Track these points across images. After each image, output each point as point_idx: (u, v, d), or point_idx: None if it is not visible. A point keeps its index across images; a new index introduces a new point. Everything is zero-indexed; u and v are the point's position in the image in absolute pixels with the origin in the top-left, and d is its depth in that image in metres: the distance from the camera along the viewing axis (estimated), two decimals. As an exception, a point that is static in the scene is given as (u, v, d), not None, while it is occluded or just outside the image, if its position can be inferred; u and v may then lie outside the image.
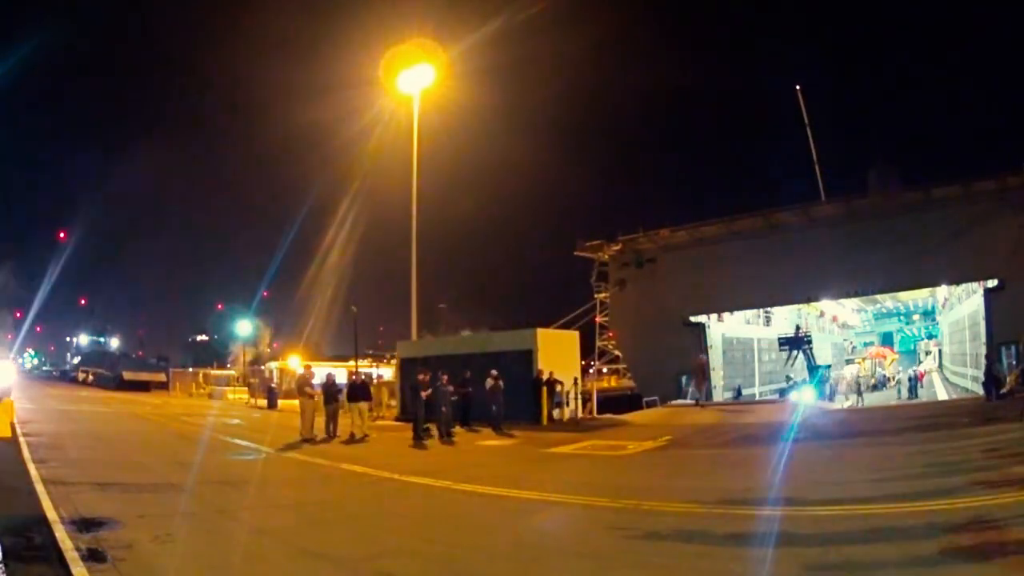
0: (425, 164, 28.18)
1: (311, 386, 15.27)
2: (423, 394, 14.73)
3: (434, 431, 14.80)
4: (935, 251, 23.38)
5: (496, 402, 16.14)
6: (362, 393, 15.44)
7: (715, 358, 30.83)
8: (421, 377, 15.25)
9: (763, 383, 36.16)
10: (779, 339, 34.75)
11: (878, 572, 4.63)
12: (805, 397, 25.18)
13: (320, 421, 14.86)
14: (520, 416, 16.72)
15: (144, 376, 46.79)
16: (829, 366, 34.07)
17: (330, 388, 15.53)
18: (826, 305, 42.48)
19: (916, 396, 30.60)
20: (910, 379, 32.81)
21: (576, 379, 19.45)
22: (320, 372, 19.06)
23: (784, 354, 34.09)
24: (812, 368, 31.25)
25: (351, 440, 14.22)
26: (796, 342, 32.51)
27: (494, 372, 16.61)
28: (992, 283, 23.27)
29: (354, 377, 17.96)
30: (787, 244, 26.37)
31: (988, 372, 18.83)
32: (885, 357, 46.72)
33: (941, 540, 5.01)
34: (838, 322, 50.74)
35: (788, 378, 32.81)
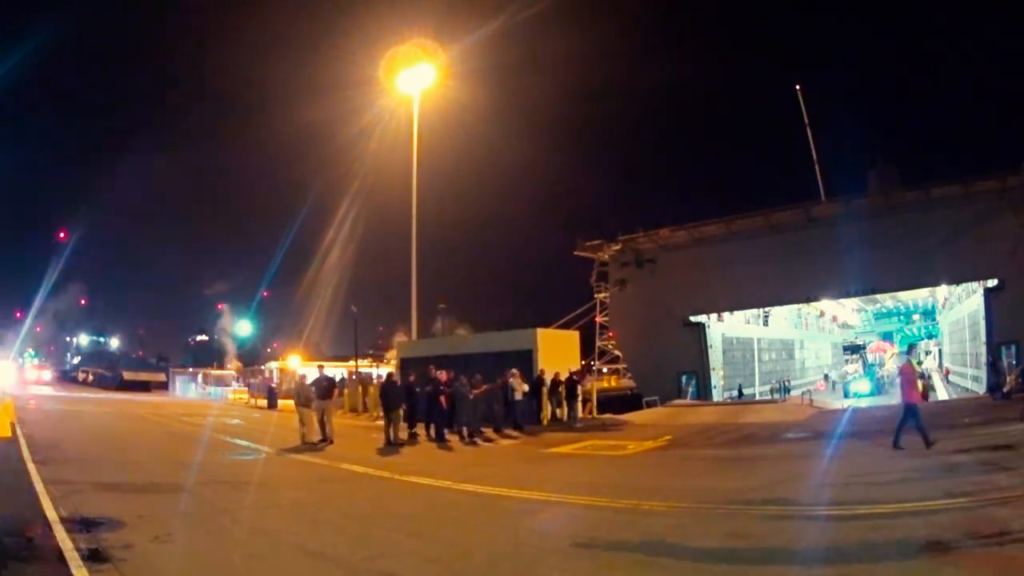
0: (425, 164, 28.25)
1: (305, 388, 14.38)
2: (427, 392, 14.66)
3: (420, 432, 14.74)
4: (935, 251, 23.37)
5: (498, 402, 16.14)
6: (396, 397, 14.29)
7: (715, 358, 30.85)
8: (437, 376, 15.24)
9: (763, 382, 36.27)
10: (843, 346, 49.81)
11: (877, 572, 4.63)
12: (862, 387, 34.82)
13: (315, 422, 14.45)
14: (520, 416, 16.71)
15: (144, 376, 46.91)
16: (878, 364, 45.34)
17: (323, 385, 14.63)
18: (826, 305, 42.65)
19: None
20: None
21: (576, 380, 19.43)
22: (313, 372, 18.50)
23: (784, 354, 40.97)
24: (867, 366, 43.64)
25: (392, 443, 13.71)
26: (856, 348, 47.94)
27: (515, 371, 16.73)
28: (992, 283, 23.27)
29: (386, 377, 16.71)
30: (787, 244, 26.38)
31: (994, 371, 18.81)
32: (885, 352, 47.61)
33: (942, 540, 5.01)
34: (838, 322, 50.86)
35: (846, 373, 43.79)
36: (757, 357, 37.11)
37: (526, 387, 16.76)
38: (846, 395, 34.78)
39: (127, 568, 4.84)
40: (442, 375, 15.35)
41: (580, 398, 17.98)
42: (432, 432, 14.77)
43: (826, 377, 38.72)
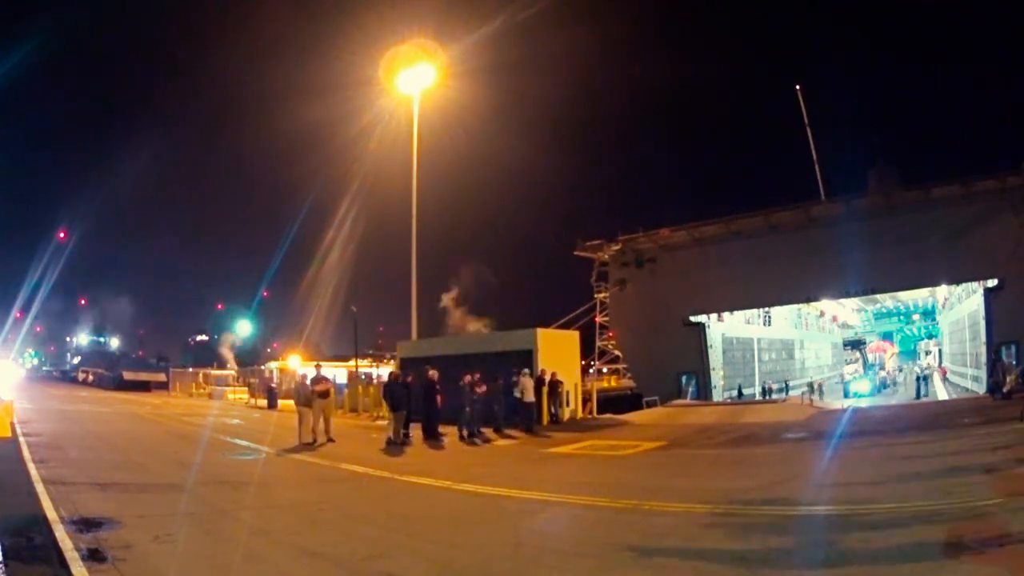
0: (425, 164, 28.20)
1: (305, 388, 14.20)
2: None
3: (417, 431, 14.66)
4: (935, 251, 23.37)
5: (499, 403, 16.13)
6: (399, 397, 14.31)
7: (715, 358, 30.86)
8: (433, 375, 15.24)
9: (764, 382, 36.29)
10: (844, 342, 48.53)
11: (878, 573, 4.62)
12: (862, 387, 35.19)
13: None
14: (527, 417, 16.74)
15: (144, 376, 46.87)
16: (878, 364, 45.71)
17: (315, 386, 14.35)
18: (826, 305, 42.67)
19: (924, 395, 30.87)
20: (917, 379, 32.98)
21: (576, 384, 19.50)
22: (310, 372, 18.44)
23: (784, 354, 41.19)
24: (866, 365, 43.25)
25: (393, 443, 13.75)
26: (856, 344, 47.16)
27: (527, 370, 16.80)
28: (992, 283, 23.26)
29: (389, 377, 16.57)
30: (787, 244, 26.38)
31: (994, 370, 18.78)
32: (885, 351, 47.96)
33: (941, 540, 5.01)
34: (838, 322, 50.86)
35: (845, 373, 44.27)
36: (757, 357, 37.12)
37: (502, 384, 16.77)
38: (846, 395, 35.13)
39: (127, 568, 4.84)
40: (434, 374, 15.34)
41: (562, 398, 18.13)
42: (426, 431, 14.75)
43: (810, 387, 35.75)
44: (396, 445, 13.59)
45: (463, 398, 14.90)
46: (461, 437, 14.61)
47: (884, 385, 38.39)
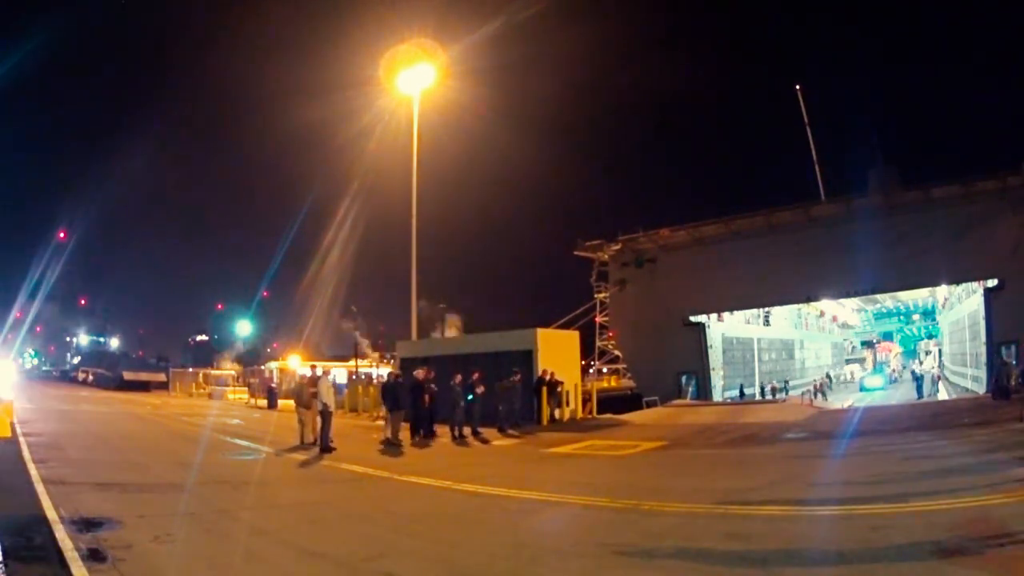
0: (425, 164, 28.20)
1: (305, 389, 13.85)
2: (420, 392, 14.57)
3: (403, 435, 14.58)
4: (935, 251, 23.38)
5: (504, 402, 16.11)
6: (398, 397, 14.29)
7: (715, 358, 30.86)
8: (420, 374, 15.21)
9: (764, 383, 36.30)
10: (861, 342, 51.80)
11: (877, 573, 4.62)
12: (876, 382, 37.08)
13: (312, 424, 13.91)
14: (520, 416, 16.73)
15: (144, 376, 46.89)
16: (887, 364, 47.44)
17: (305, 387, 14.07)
18: (826, 305, 42.76)
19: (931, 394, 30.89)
20: (917, 377, 33.04)
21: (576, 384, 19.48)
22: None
23: (784, 354, 41.65)
24: (876, 363, 45.37)
25: (392, 443, 13.71)
26: (870, 344, 49.59)
27: (518, 371, 16.82)
28: (992, 283, 23.29)
29: (388, 377, 16.50)
30: (787, 244, 26.39)
31: (994, 371, 18.76)
32: (890, 351, 48.77)
33: (941, 540, 5.01)
34: (838, 322, 50.93)
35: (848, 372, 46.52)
36: (757, 357, 37.14)
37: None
38: (862, 389, 36.35)
39: (127, 568, 4.84)
40: (420, 373, 15.32)
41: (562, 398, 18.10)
42: (415, 431, 14.74)
43: (817, 389, 34.77)
44: (395, 445, 13.59)
45: (453, 398, 14.88)
46: (453, 437, 14.58)
47: (891, 381, 39.57)
